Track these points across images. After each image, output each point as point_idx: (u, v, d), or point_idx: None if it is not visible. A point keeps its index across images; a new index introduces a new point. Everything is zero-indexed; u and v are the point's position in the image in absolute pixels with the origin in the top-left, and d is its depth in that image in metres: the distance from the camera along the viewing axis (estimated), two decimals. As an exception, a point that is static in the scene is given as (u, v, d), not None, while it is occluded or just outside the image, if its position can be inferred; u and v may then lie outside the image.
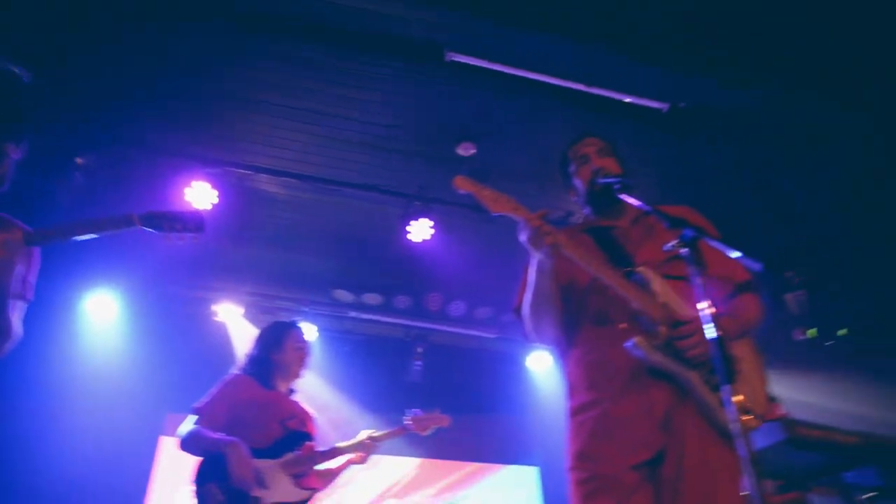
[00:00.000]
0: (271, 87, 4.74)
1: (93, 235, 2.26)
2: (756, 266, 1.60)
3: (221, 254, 6.07)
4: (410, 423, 3.53)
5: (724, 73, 4.59)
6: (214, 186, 5.11)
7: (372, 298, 6.63)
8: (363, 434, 3.38)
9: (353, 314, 6.76)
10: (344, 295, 6.54)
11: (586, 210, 2.47)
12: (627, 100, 4.69)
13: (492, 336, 7.06)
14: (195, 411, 3.12)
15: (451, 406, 5.05)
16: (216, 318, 6.43)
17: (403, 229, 5.47)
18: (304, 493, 3.07)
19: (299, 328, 3.55)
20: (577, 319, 2.19)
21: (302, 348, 3.44)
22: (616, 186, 2.25)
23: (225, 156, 5.18)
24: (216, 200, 5.13)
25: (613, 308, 2.12)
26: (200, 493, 2.90)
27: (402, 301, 6.73)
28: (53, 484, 5.46)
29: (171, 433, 6.46)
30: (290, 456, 3.10)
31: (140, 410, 6.19)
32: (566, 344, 2.25)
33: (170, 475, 6.34)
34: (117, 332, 6.31)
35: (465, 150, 5.22)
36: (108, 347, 6.24)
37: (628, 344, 1.96)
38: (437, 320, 6.88)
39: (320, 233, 5.91)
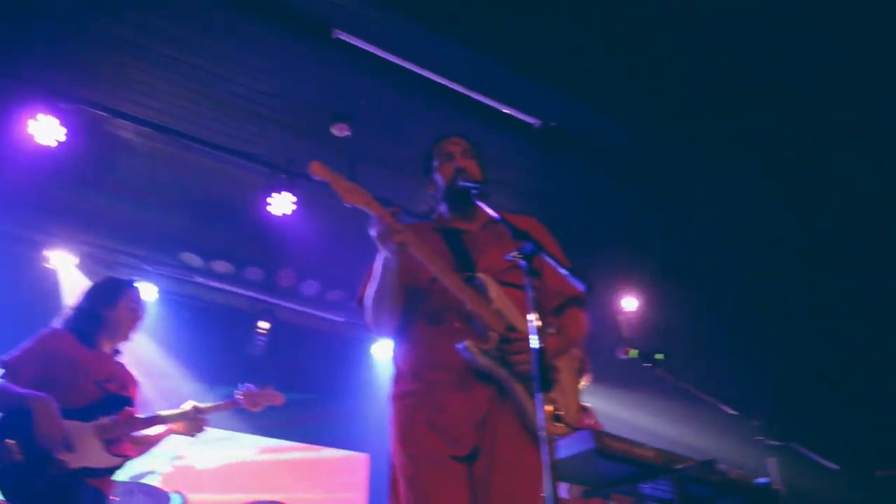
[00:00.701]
0: (153, 33, 4.45)
1: None
2: (580, 285, 1.72)
3: (62, 197, 5.62)
4: (241, 397, 3.41)
5: (599, 100, 4.86)
6: (64, 123, 4.72)
7: (222, 266, 6.39)
8: (188, 404, 3.25)
9: (199, 279, 6.49)
10: (192, 258, 6.25)
11: (442, 207, 2.51)
12: (505, 110, 4.82)
13: (341, 320, 7.03)
14: (2, 364, 2.90)
15: (291, 385, 5.01)
16: (46, 265, 5.94)
17: (264, 200, 5.32)
18: (114, 460, 2.92)
19: (136, 288, 3.36)
20: (414, 315, 2.24)
21: (136, 309, 3.26)
22: (474, 192, 2.31)
23: (85, 94, 4.80)
24: (63, 139, 4.74)
25: (450, 309, 2.18)
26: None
27: (253, 273, 6.53)
28: None
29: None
30: (104, 420, 2.93)
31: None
32: (401, 337, 2.29)
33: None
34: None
35: (340, 130, 5.17)
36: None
37: (460, 345, 2.03)
38: (288, 297, 6.76)
39: (177, 191, 5.63)
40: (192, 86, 4.83)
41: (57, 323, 3.18)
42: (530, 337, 1.71)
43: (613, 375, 4.69)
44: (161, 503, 4.43)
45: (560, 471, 2.61)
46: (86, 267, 6.02)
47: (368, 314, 2.28)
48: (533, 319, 1.72)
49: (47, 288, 5.88)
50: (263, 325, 6.64)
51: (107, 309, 3.18)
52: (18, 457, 2.60)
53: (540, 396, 1.61)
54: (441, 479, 2.01)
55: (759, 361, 4.94)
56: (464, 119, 4.90)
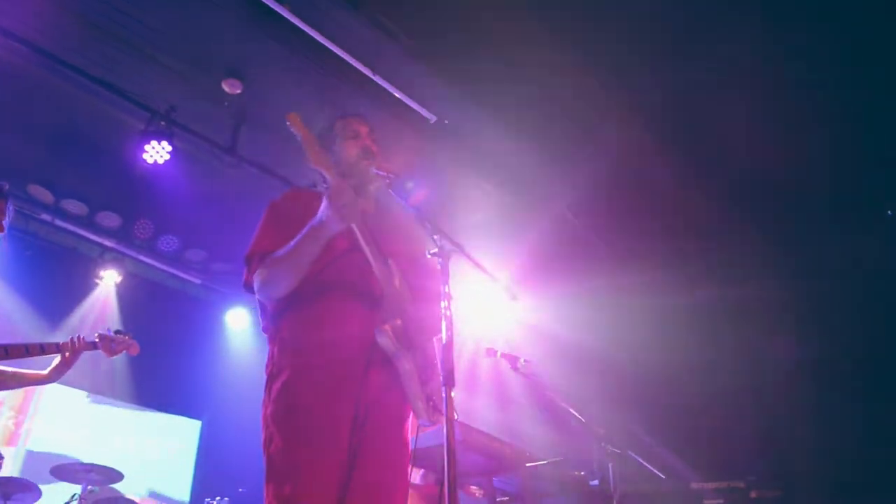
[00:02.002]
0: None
1: None
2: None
3: None
4: (98, 340, 3.17)
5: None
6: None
7: (75, 206, 5.91)
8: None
9: (45, 217, 5.97)
10: (42, 193, 5.73)
11: (333, 181, 2.49)
12: (407, 101, 4.85)
13: (197, 281, 6.75)
14: None
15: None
16: None
17: (139, 146, 5.00)
18: None
19: (3, 191, 2.93)
20: (322, 285, 2.20)
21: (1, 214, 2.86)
22: (387, 181, 2.36)
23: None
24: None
25: (357, 286, 2.20)
26: None
27: (108, 218, 6.10)
28: None
29: None
30: None
31: None
32: (299, 305, 2.22)
33: None
34: None
35: (231, 87, 4.97)
36: None
37: (379, 328, 2.06)
38: (143, 250, 6.38)
39: (39, 118, 5.12)
40: (76, 8, 4.43)
41: None
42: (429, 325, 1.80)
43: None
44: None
45: (420, 458, 2.74)
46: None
47: (265, 275, 2.19)
48: (445, 312, 1.80)
49: None
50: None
51: None
52: None
53: (448, 389, 1.69)
54: (320, 454, 2.04)
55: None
56: (364, 101, 4.87)
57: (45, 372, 2.93)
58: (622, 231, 5.90)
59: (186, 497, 6.80)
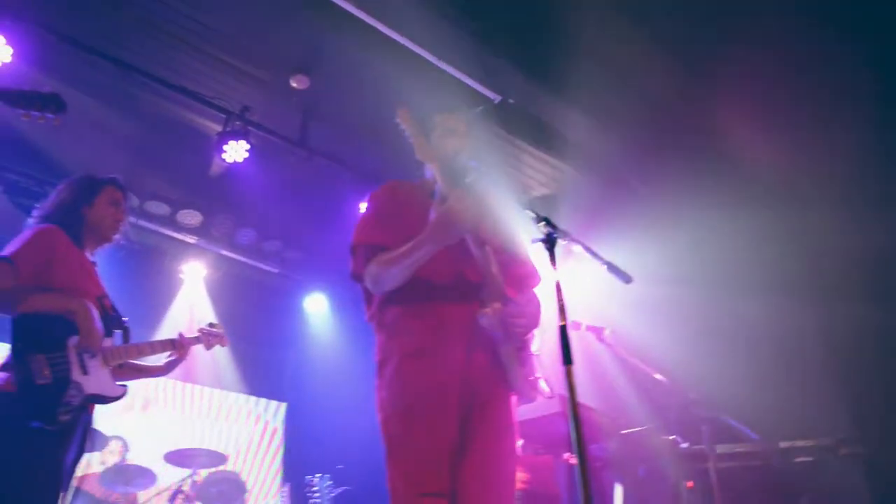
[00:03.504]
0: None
1: None
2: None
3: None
4: (200, 335, 3.33)
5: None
6: (10, 42, 4.45)
7: (158, 207, 6.23)
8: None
9: (131, 220, 6.27)
10: (129, 197, 6.04)
11: (428, 174, 2.62)
12: (471, 84, 4.94)
13: (275, 271, 7.03)
14: (5, 260, 2.52)
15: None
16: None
17: (218, 147, 5.23)
18: (118, 390, 2.70)
19: (118, 183, 3.02)
20: (425, 273, 2.29)
21: (118, 207, 2.97)
22: (478, 172, 2.49)
23: (33, 13, 4.52)
24: (9, 59, 4.48)
25: (459, 273, 2.34)
26: (21, 366, 2.40)
27: (189, 216, 6.41)
28: None
29: None
30: (108, 344, 2.71)
31: None
32: (403, 292, 2.33)
33: None
34: None
35: (299, 82, 5.14)
36: None
37: (481, 312, 2.21)
38: (223, 244, 6.68)
39: (122, 127, 5.40)
40: (146, 15, 4.64)
41: (37, 220, 2.82)
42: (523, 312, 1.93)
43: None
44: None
45: (523, 430, 2.89)
46: (13, 199, 5.70)
47: (379, 272, 2.31)
48: (561, 300, 1.92)
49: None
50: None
51: (86, 207, 2.86)
52: (46, 373, 2.41)
53: (568, 368, 1.82)
54: (433, 432, 2.20)
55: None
56: (427, 88, 4.96)
57: (162, 364, 3.13)
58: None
59: (279, 476, 7.16)
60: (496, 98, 5.16)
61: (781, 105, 4.41)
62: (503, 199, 2.59)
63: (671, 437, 3.52)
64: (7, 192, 5.77)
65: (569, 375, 1.83)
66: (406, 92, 4.95)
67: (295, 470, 6.46)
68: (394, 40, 4.79)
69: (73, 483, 2.66)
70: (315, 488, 4.89)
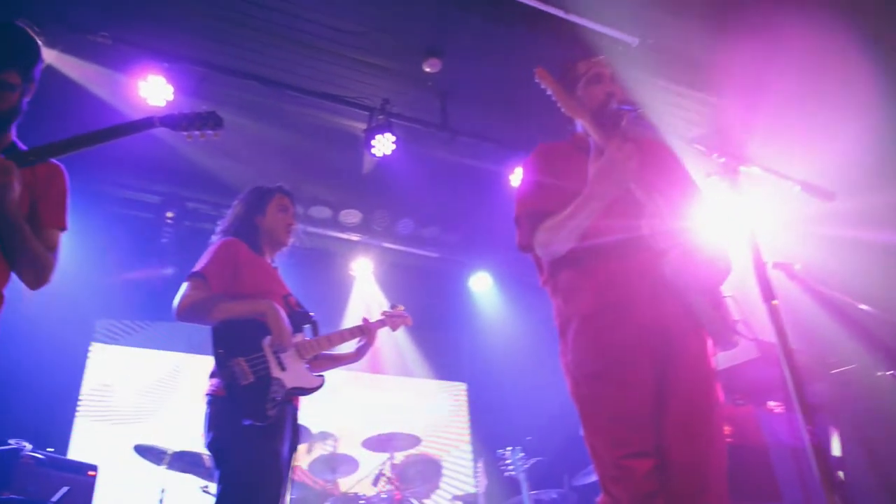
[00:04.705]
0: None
1: (103, 143, 2.25)
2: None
3: (166, 156, 5.78)
4: (385, 317, 3.43)
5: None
6: (170, 82, 4.85)
7: (320, 212, 6.56)
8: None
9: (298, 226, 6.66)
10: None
11: (578, 128, 2.50)
12: (607, 31, 4.72)
13: (435, 255, 7.18)
14: (197, 275, 2.75)
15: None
16: (168, 220, 6.19)
17: (366, 143, 5.40)
18: (316, 380, 2.83)
19: (285, 191, 3.22)
20: (596, 229, 2.20)
21: (287, 213, 3.16)
22: (633, 115, 2.35)
23: (184, 51, 4.90)
24: (171, 97, 4.88)
25: (632, 224, 2.22)
26: (226, 370, 2.57)
27: (350, 215, 6.70)
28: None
29: (101, 339, 6.38)
30: (300, 338, 2.87)
31: (70, 317, 5.95)
32: (575, 252, 2.25)
33: (100, 379, 6.25)
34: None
35: (432, 66, 5.17)
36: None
37: (669, 259, 2.09)
38: (384, 237, 6.92)
39: (276, 140, 5.73)
40: (281, 31, 4.86)
41: (218, 235, 3.06)
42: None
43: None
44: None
45: (723, 379, 2.70)
46: (195, 223, 6.25)
47: (547, 237, 2.25)
48: (751, 234, 1.77)
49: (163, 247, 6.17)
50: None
51: (259, 216, 3.08)
52: (250, 377, 2.59)
53: (772, 305, 1.67)
54: (627, 390, 2.10)
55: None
56: (561, 45, 4.81)
57: (353, 351, 3.25)
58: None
59: (471, 453, 7.34)
60: (634, 41, 4.90)
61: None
62: (664, 140, 2.43)
63: (888, 373, 3.18)
64: (189, 219, 6.33)
65: (773, 313, 1.67)
66: (540, 54, 4.86)
67: (485, 446, 6.59)
68: (519, 3, 4.68)
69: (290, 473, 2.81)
70: (508, 461, 4.95)
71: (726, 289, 2.21)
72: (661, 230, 2.19)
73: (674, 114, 5.37)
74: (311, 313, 3.03)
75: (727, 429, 3.27)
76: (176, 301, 2.74)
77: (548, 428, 5.61)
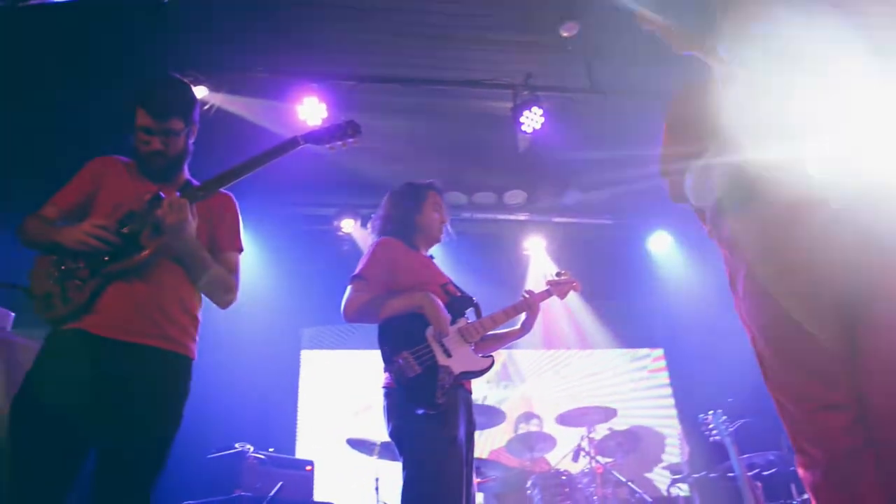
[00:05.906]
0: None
1: (259, 168, 2.45)
2: None
3: (334, 170, 6.14)
4: (550, 286, 3.34)
5: None
6: (322, 100, 5.14)
7: (485, 197, 6.63)
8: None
9: (465, 215, 6.79)
10: (457, 197, 6.56)
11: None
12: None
13: (609, 221, 6.97)
14: (357, 278, 2.89)
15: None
16: (340, 233, 6.62)
17: (515, 122, 5.37)
18: (484, 362, 2.86)
19: (438, 188, 3.27)
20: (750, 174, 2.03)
21: (440, 210, 3.20)
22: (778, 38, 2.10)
23: (330, 69, 5.18)
24: (325, 115, 5.17)
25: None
26: (393, 366, 2.69)
27: (514, 196, 6.71)
28: (213, 408, 5.81)
29: (310, 346, 6.96)
30: (463, 323, 2.91)
31: (279, 327, 6.56)
32: (736, 202, 2.06)
33: (314, 384, 6.83)
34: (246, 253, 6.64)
35: (569, 30, 5.00)
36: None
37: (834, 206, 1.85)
38: (552, 212, 6.84)
39: (432, 135, 5.88)
40: (408, 29, 4.94)
41: (373, 234, 3.18)
42: None
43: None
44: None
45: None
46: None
47: (697, 181, 2.10)
48: None
49: (345, 252, 6.59)
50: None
51: (415, 213, 3.14)
52: (417, 368, 2.67)
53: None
54: (810, 329, 1.88)
55: None
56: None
57: (518, 327, 3.23)
58: None
59: (673, 419, 7.05)
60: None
61: None
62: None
63: None
64: (365, 225, 6.69)
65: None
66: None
67: (685, 412, 6.30)
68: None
69: (472, 455, 2.88)
70: (711, 425, 4.67)
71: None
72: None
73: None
74: (472, 297, 3.06)
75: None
76: (342, 305, 2.89)
77: (750, 386, 5.21)
